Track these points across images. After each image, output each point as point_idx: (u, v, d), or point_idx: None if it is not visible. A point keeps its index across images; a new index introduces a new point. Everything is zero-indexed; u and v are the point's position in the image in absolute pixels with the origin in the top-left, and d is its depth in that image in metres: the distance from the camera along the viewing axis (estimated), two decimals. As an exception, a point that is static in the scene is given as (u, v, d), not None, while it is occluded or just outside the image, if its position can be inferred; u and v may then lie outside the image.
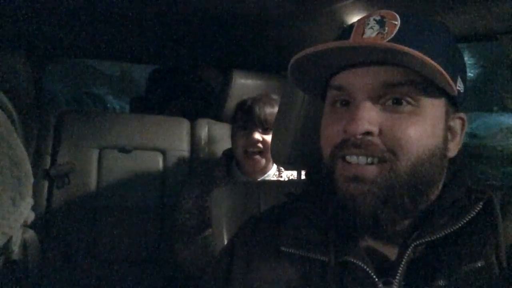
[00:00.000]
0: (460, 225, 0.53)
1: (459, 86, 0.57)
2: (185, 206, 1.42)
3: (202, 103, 2.06)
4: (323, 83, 0.62)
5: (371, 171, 0.53)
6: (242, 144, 1.36)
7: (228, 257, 0.67)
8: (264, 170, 1.41)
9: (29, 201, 0.70)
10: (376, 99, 0.54)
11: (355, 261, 0.55)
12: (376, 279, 0.53)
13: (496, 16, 0.90)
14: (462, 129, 0.61)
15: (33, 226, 0.85)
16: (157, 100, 2.21)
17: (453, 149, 0.59)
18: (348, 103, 0.57)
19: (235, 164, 1.44)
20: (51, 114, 1.67)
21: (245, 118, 1.36)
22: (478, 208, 0.55)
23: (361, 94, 0.54)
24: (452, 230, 0.53)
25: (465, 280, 0.50)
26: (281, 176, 1.44)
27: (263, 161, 1.37)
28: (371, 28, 0.55)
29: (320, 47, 0.53)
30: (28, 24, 1.39)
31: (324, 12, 1.19)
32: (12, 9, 1.25)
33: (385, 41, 0.53)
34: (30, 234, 1.01)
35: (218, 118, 1.80)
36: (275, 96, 1.41)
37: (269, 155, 1.34)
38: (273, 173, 1.44)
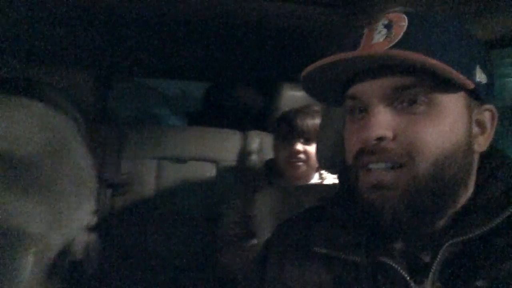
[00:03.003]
0: (497, 222, 0.51)
1: (480, 78, 0.54)
2: (229, 216, 1.45)
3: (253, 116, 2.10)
4: (340, 93, 0.61)
5: (391, 176, 0.53)
6: (285, 155, 1.37)
7: (263, 259, 0.68)
8: (307, 178, 1.42)
9: (92, 205, 0.76)
10: (389, 103, 0.54)
11: (388, 261, 0.55)
12: (408, 278, 0.53)
13: None
14: (492, 122, 0.58)
15: (95, 230, 0.92)
16: (212, 114, 2.29)
17: (483, 143, 0.57)
18: (364, 111, 0.57)
19: (277, 174, 1.46)
20: (115, 128, 1.80)
21: (287, 130, 1.37)
22: None
23: (374, 100, 0.54)
24: (489, 228, 0.51)
25: (505, 280, 0.48)
26: None
27: (306, 169, 1.37)
28: (379, 32, 0.55)
29: (316, 64, 0.54)
30: (95, 45, 1.52)
31: (367, 23, 1.19)
32: (81, 34, 1.39)
33: (391, 45, 0.53)
34: (92, 237, 1.08)
35: (269, 130, 1.83)
36: (317, 108, 1.41)
37: (312, 163, 1.35)
38: (314, 181, 1.44)
